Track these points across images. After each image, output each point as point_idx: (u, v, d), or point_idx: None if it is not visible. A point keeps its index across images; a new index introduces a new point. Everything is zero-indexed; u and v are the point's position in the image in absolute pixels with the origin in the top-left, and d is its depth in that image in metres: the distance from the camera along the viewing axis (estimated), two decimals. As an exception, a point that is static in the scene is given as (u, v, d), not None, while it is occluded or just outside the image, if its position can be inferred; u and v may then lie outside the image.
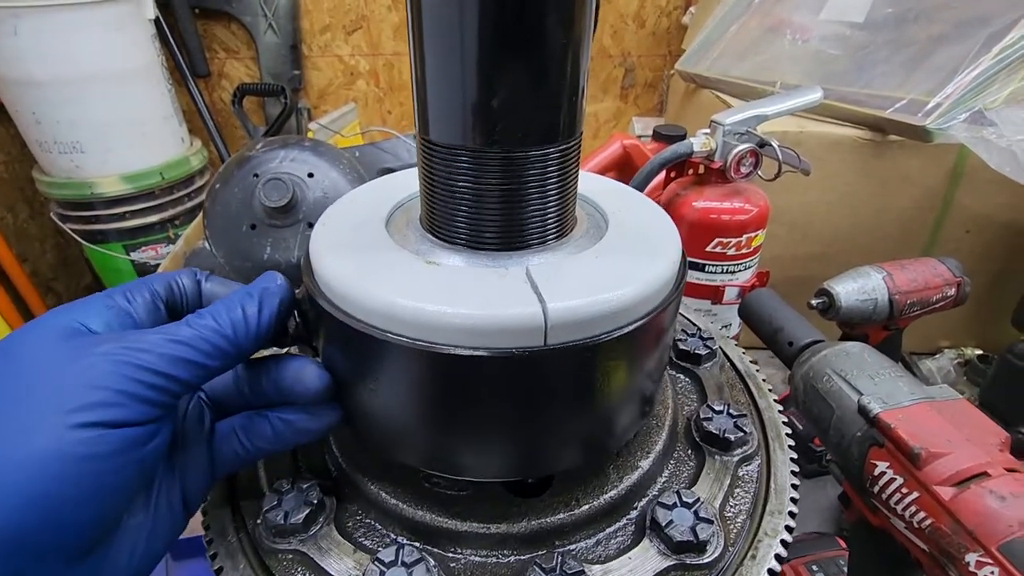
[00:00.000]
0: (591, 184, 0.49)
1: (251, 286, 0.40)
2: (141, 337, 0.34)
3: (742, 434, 0.47)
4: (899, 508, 0.68)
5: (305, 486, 0.42)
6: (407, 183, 0.47)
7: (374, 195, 0.47)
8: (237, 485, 0.46)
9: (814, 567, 0.98)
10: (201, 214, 1.04)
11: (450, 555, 0.41)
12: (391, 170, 0.87)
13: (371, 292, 0.35)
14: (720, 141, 1.05)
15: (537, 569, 0.37)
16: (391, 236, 0.41)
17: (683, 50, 1.92)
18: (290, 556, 0.40)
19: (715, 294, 1.16)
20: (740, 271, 1.15)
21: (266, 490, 0.44)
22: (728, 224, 1.09)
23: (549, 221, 0.40)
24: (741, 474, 0.46)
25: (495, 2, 0.31)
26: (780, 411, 0.54)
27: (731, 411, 0.49)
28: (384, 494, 0.43)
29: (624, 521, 0.43)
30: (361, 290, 0.36)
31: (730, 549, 0.40)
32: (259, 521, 0.41)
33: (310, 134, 1.80)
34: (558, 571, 0.37)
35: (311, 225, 0.77)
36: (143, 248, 1.94)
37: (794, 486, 0.46)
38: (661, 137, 1.37)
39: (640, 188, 1.07)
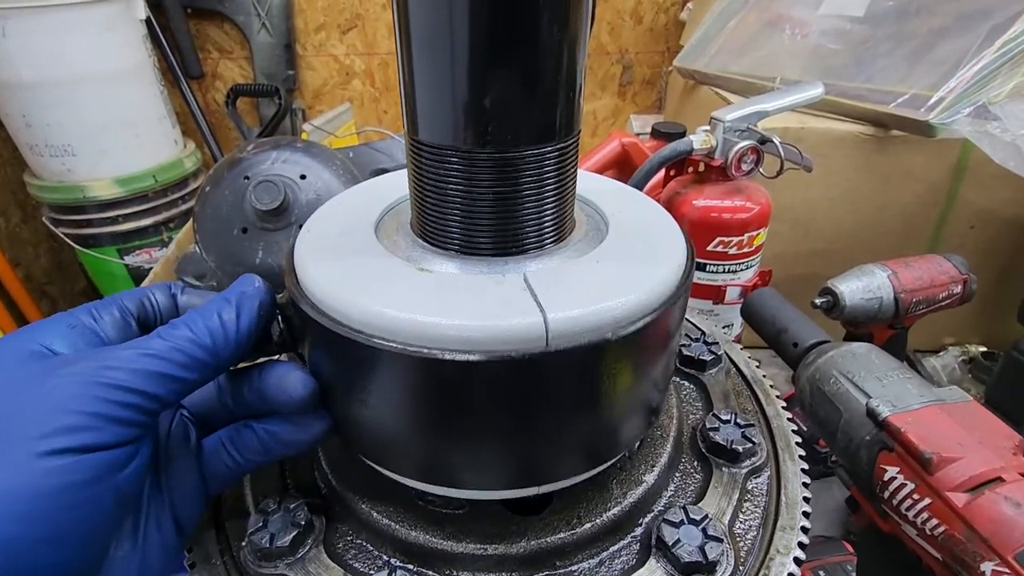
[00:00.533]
0: (590, 184, 0.47)
1: (227, 291, 0.37)
2: (110, 354, 0.32)
3: (750, 445, 0.45)
4: (910, 514, 0.66)
5: (292, 506, 0.40)
6: (396, 185, 0.45)
7: (361, 199, 0.45)
8: (222, 505, 0.44)
9: (821, 573, 0.96)
10: (191, 218, 1.01)
11: (445, 578, 0.39)
12: (385, 170, 0.85)
13: (360, 303, 0.33)
14: (720, 138, 1.03)
15: (537, 593, 0.35)
16: (381, 242, 0.39)
17: (681, 46, 1.89)
18: (277, 581, 0.38)
19: (717, 294, 1.14)
20: (742, 270, 1.13)
21: (252, 510, 0.42)
22: (729, 223, 1.07)
23: (547, 224, 0.37)
24: (750, 487, 0.44)
25: None
26: (788, 419, 0.52)
27: (738, 420, 0.47)
28: (376, 513, 0.41)
29: (628, 539, 0.41)
30: (349, 301, 0.33)
31: (740, 568, 0.38)
32: (244, 544, 0.39)
33: (304, 135, 1.77)
34: (559, 595, 0.35)
35: (302, 229, 0.75)
36: (137, 252, 1.92)
37: (806, 499, 0.44)
38: (660, 135, 1.35)
39: (639, 187, 1.05)
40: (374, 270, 0.36)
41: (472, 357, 0.31)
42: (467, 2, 0.29)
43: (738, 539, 0.41)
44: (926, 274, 1.02)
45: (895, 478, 0.68)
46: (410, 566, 0.39)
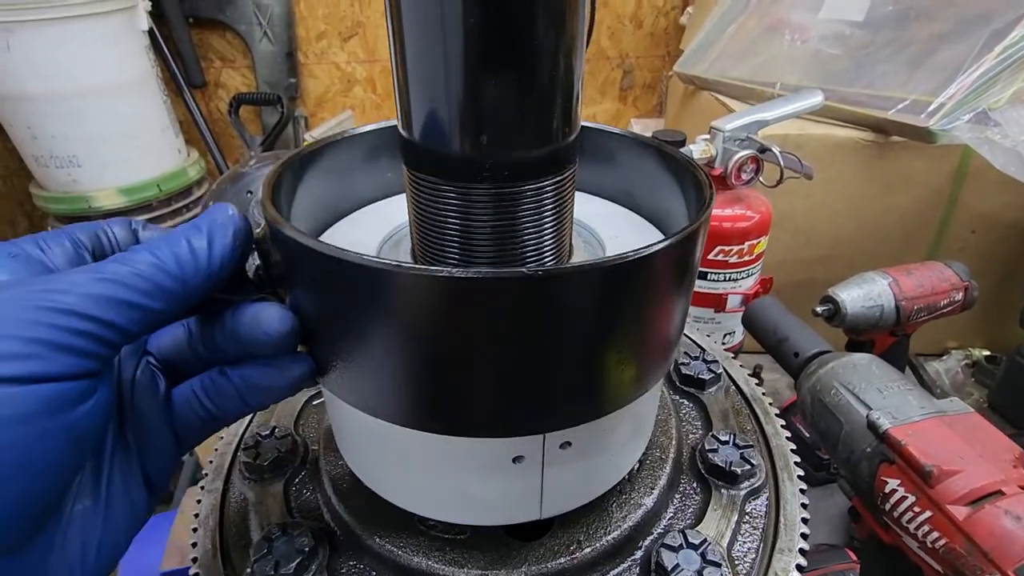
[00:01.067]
0: (587, 208, 0.47)
1: (197, 219, 0.33)
2: (59, 277, 0.29)
3: (749, 466, 0.45)
4: (911, 527, 0.67)
5: (296, 532, 0.40)
6: (397, 212, 0.46)
7: (363, 227, 0.45)
8: (226, 532, 0.44)
9: (824, 581, 0.96)
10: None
11: (448, 603, 0.39)
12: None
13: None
14: (720, 148, 1.04)
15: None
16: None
17: (681, 50, 1.89)
18: (282, 608, 0.38)
19: (718, 302, 1.14)
20: (743, 278, 1.14)
21: (256, 537, 0.42)
22: (730, 232, 1.08)
23: (546, 253, 0.38)
24: (749, 509, 0.44)
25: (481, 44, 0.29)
26: (788, 437, 0.52)
27: (737, 441, 0.47)
28: (378, 539, 0.41)
29: (628, 563, 0.42)
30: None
31: (739, 592, 0.39)
32: (249, 571, 0.39)
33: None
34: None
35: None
36: (141, 261, 1.93)
37: (804, 520, 0.44)
38: (660, 142, 1.35)
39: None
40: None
41: (478, 275, 0.29)
42: (461, 44, 0.30)
43: (736, 562, 0.41)
44: (927, 281, 1.03)
45: (896, 490, 0.68)
46: (413, 592, 0.40)
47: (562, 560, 0.40)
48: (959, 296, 1.04)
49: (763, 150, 1.04)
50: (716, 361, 0.57)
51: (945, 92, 1.16)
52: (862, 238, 1.36)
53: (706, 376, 0.55)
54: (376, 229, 0.45)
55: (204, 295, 0.33)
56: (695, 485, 0.47)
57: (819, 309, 1.02)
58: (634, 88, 2.51)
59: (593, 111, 2.53)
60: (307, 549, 0.40)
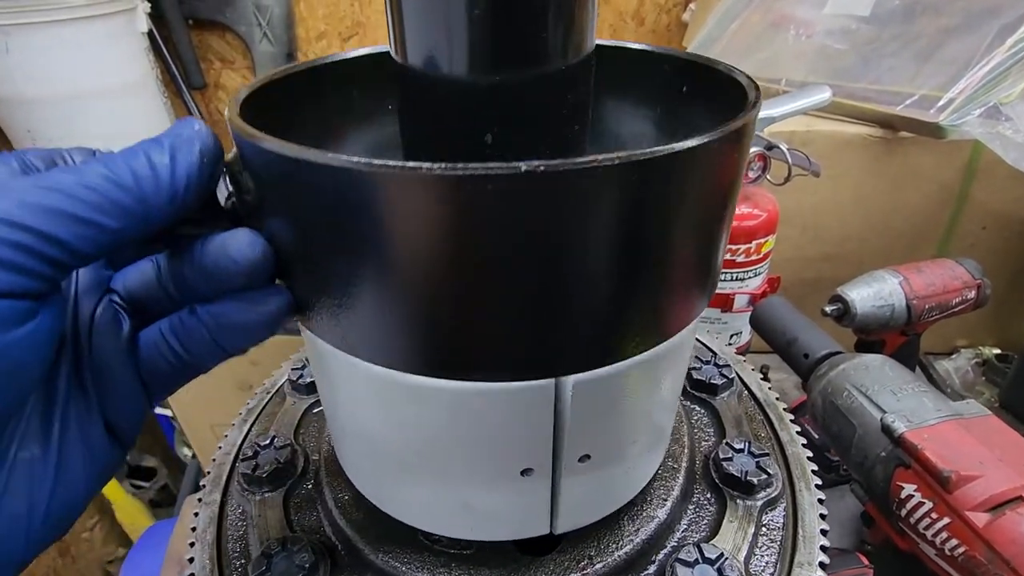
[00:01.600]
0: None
1: (159, 134, 0.30)
2: None
3: (765, 476, 0.44)
4: (929, 534, 0.65)
5: (296, 548, 0.39)
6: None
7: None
8: (224, 547, 0.43)
9: (836, 587, 0.94)
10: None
11: (454, 622, 0.38)
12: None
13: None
14: (727, 145, 1.02)
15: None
16: None
17: (684, 48, 1.88)
18: (282, 628, 0.37)
19: (725, 302, 1.13)
20: (750, 278, 1.12)
21: (255, 553, 0.41)
22: (736, 230, 1.06)
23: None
24: (766, 520, 0.43)
25: None
26: (804, 444, 0.51)
27: (752, 449, 0.45)
28: (381, 555, 0.40)
29: (641, 578, 0.40)
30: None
31: (757, 609, 0.37)
32: (248, 590, 0.38)
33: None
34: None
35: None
36: (142, 264, 1.92)
37: (823, 531, 0.43)
38: (665, 141, 1.33)
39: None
40: None
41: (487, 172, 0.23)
42: None
43: (754, 577, 0.39)
44: (938, 280, 1.01)
45: (912, 496, 0.66)
46: (417, 610, 0.38)
47: (573, 576, 0.38)
48: (971, 294, 1.02)
49: (770, 147, 1.02)
50: (728, 365, 0.55)
51: (955, 87, 1.14)
52: (871, 235, 1.34)
53: (718, 381, 0.53)
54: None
55: (170, 220, 0.29)
56: (709, 496, 0.45)
57: (828, 309, 1.01)
58: (637, 86, 2.50)
59: (595, 109, 2.51)
60: (307, 565, 0.38)
